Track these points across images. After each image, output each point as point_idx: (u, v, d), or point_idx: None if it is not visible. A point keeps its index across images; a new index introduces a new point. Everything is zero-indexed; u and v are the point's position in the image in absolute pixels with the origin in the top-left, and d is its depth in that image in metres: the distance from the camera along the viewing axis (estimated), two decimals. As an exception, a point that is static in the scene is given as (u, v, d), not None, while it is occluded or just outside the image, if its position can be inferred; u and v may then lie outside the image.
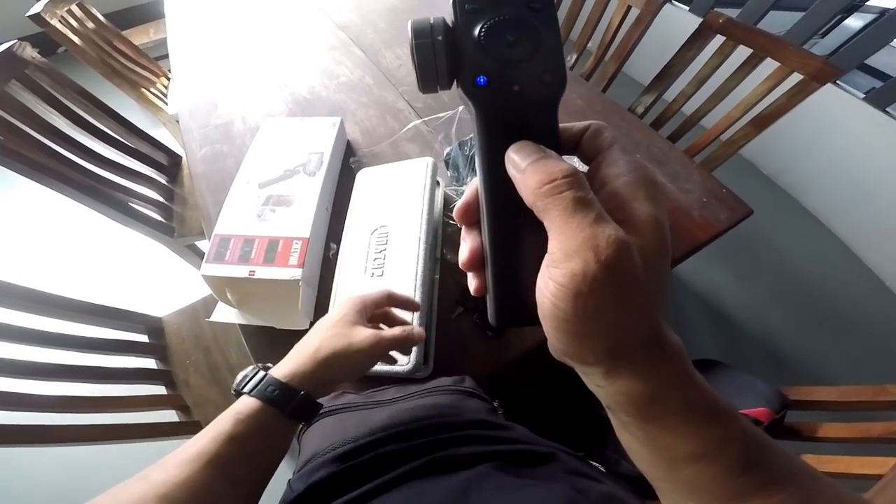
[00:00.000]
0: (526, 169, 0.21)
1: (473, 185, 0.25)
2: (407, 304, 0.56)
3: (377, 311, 0.53)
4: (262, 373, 0.43)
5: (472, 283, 0.26)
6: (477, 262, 0.25)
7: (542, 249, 0.21)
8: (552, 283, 0.20)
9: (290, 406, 0.41)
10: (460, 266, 0.26)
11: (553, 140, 0.23)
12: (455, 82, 0.23)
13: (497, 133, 0.23)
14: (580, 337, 0.20)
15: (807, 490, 0.21)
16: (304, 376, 0.43)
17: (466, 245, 0.25)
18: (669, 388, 0.21)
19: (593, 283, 0.18)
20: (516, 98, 0.22)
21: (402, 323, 0.55)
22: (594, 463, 0.44)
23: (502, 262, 0.23)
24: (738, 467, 0.21)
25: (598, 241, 0.19)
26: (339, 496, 0.38)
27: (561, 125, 0.24)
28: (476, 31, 0.22)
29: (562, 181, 0.20)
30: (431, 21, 0.23)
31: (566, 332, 0.20)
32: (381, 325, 0.54)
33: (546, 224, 0.20)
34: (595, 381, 0.22)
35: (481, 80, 0.22)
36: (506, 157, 0.22)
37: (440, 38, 0.22)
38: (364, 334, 0.47)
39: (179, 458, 0.37)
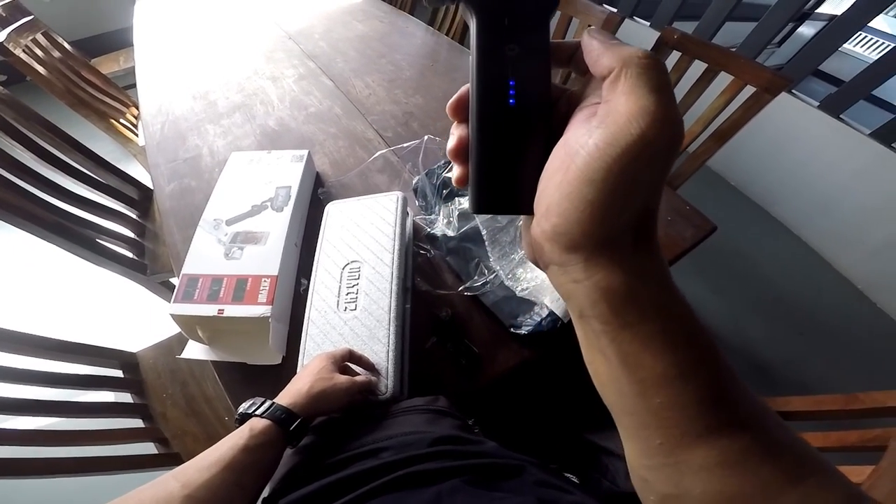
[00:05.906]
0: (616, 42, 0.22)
1: (466, 85, 0.26)
2: (360, 361, 0.66)
3: (341, 364, 0.63)
4: (269, 401, 0.53)
5: (455, 172, 0.26)
6: (462, 151, 0.25)
7: (529, 143, 0.23)
8: (593, 141, 0.19)
9: (293, 426, 0.50)
10: (447, 154, 0.26)
11: (544, 44, 0.24)
12: None
13: (492, 35, 0.24)
14: (590, 207, 0.20)
15: (771, 436, 0.21)
16: (300, 407, 0.53)
17: (454, 136, 0.26)
18: (647, 286, 0.21)
19: (644, 150, 0.19)
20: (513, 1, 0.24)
21: (355, 374, 0.65)
22: (568, 475, 0.46)
23: (485, 149, 0.24)
24: (709, 397, 0.20)
25: (673, 116, 0.19)
26: None
27: (553, 41, 0.25)
28: None
29: (659, 62, 0.20)
30: None
31: (581, 199, 0.20)
32: (359, 371, 0.65)
33: (621, 84, 0.20)
34: (573, 275, 0.22)
35: None
36: (586, 35, 0.23)
37: None
38: (342, 379, 0.58)
39: (200, 464, 0.44)
